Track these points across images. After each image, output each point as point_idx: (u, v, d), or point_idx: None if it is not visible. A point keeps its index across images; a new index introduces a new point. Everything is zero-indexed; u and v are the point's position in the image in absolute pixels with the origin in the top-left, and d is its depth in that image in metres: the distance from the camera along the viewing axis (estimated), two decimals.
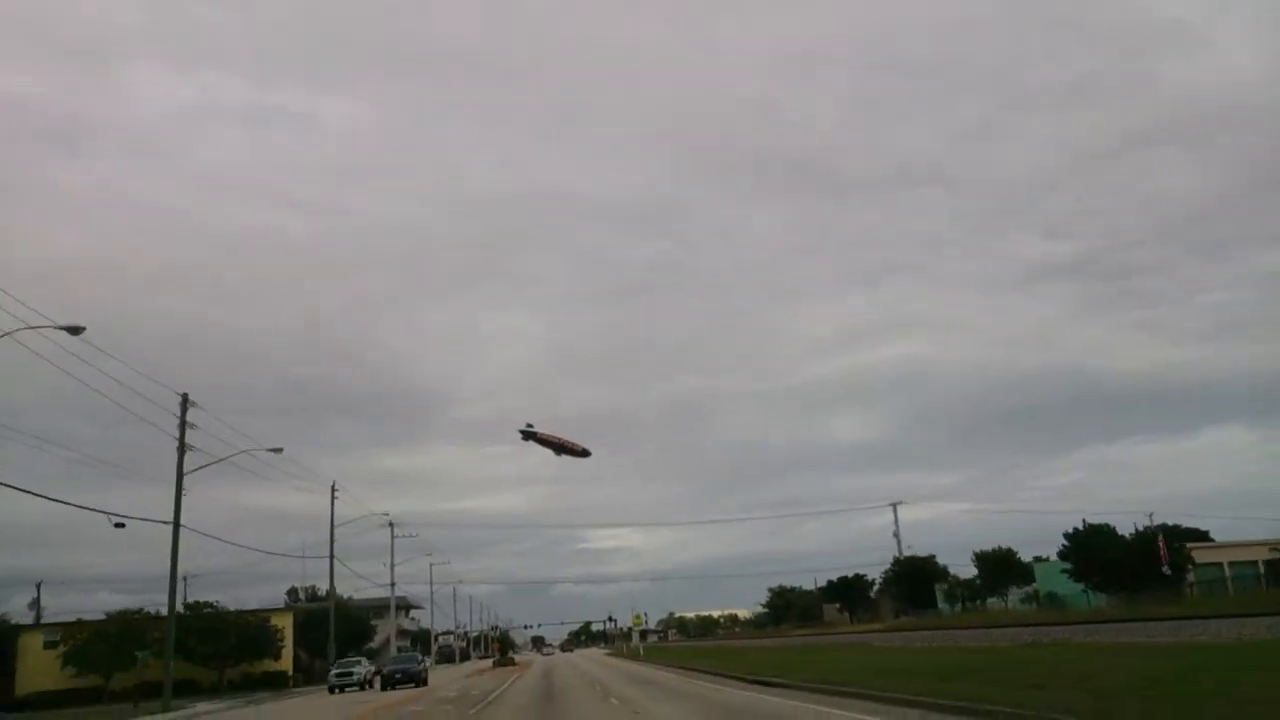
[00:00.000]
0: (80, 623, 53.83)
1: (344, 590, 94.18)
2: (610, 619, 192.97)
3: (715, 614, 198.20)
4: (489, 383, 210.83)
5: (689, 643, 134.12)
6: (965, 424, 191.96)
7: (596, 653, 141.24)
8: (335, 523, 65.37)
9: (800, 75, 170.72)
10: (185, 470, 37.15)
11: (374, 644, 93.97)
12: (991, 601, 72.10)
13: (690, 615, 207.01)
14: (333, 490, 64.91)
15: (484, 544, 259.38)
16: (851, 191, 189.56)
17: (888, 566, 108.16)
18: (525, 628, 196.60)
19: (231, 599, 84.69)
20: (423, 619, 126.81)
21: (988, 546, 72.06)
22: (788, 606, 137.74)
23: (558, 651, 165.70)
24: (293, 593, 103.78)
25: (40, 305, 29.49)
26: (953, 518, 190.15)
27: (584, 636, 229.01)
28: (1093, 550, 54.03)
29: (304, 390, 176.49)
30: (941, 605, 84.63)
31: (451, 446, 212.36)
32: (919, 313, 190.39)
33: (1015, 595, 69.72)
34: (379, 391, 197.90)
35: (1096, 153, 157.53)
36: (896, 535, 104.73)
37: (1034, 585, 68.17)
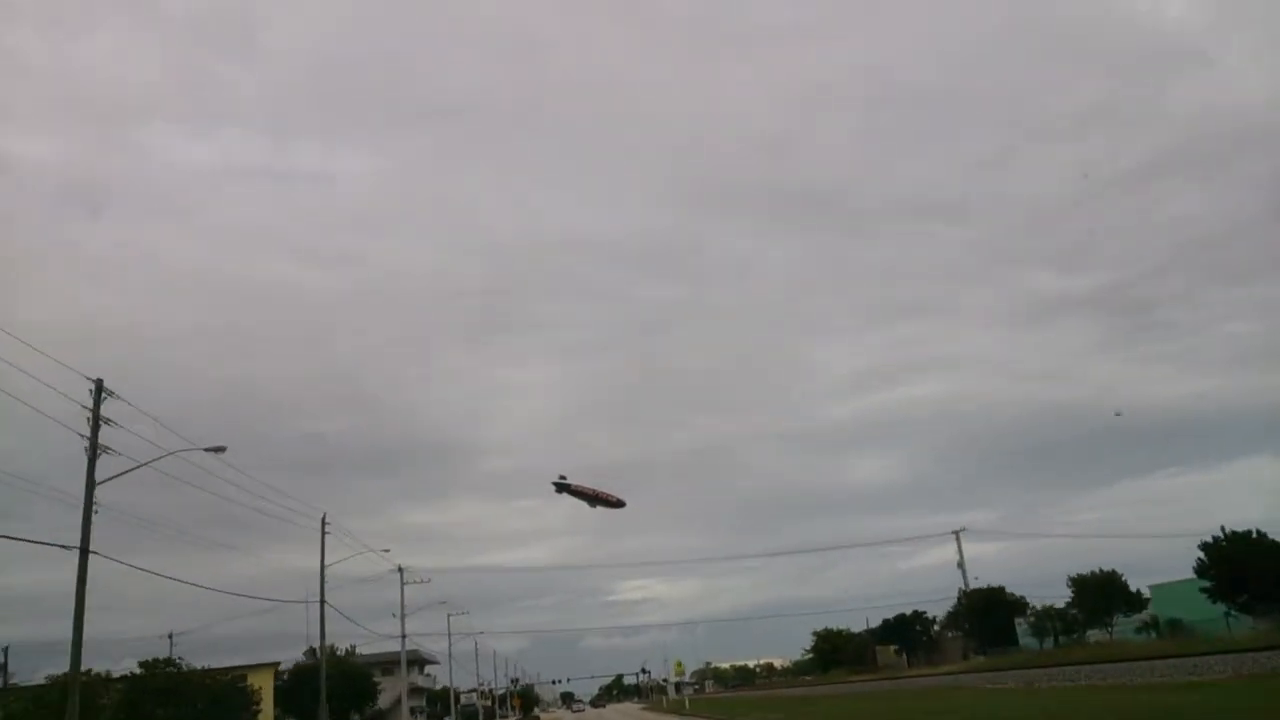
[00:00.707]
0: (10, 689, 44.75)
1: (361, 648, 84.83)
2: (643, 670, 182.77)
3: (750, 663, 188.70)
4: (512, 432, 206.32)
5: (731, 693, 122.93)
6: (991, 461, 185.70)
7: (631, 707, 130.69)
8: (332, 563, 56.48)
9: (812, 109, 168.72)
10: (98, 479, 28.40)
11: (381, 704, 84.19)
12: (1092, 634, 61.76)
13: (725, 665, 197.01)
14: (323, 523, 56.03)
15: (509, 599, 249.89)
16: (867, 225, 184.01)
17: (953, 601, 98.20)
18: (554, 683, 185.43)
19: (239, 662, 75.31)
20: (441, 676, 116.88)
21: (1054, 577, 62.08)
22: (835, 650, 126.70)
23: (588, 708, 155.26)
24: (310, 654, 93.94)
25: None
26: (987, 555, 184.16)
27: (616, 690, 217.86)
28: (1239, 564, 43.99)
29: (326, 444, 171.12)
30: (1025, 640, 74.16)
31: (476, 500, 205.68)
32: (939, 348, 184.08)
33: (1124, 625, 59.29)
34: (400, 444, 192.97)
35: (1113, 180, 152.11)
36: (961, 566, 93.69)
37: (1148, 612, 57.94)
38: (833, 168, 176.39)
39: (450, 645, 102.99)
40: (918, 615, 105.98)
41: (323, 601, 54.56)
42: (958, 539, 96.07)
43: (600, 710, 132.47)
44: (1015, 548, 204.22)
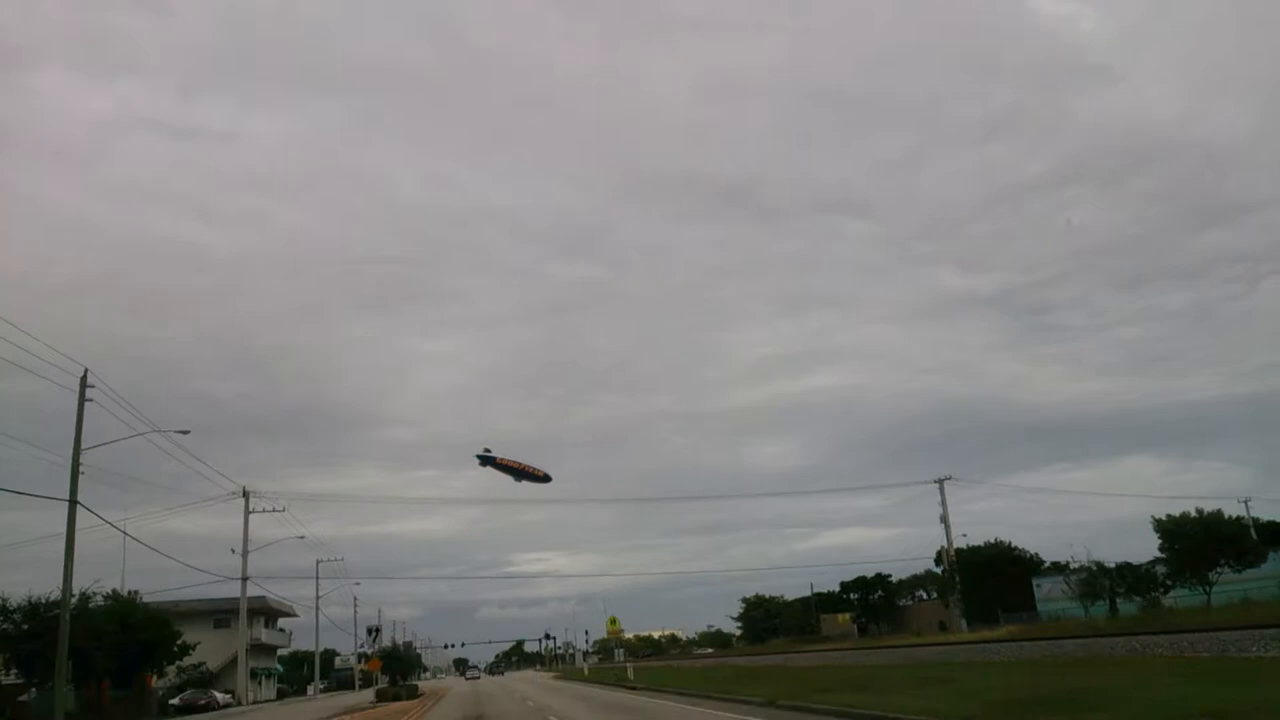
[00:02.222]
0: None
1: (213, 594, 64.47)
2: (548, 636, 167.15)
3: (655, 634, 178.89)
4: (415, 403, 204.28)
5: (655, 662, 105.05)
6: (890, 451, 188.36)
7: (537, 675, 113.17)
8: (95, 445, 36.74)
9: (729, 101, 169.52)
10: None
11: (210, 664, 64.44)
12: (1176, 595, 46.07)
13: (629, 636, 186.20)
14: (83, 382, 36.26)
15: (406, 568, 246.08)
16: (779, 218, 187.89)
17: (925, 563, 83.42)
18: (446, 647, 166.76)
19: None
20: (303, 637, 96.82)
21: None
22: (769, 618, 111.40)
23: (484, 675, 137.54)
24: (114, 596, 72.88)
25: None
26: (875, 539, 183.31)
27: (515, 658, 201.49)
28: None
29: (220, 407, 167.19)
30: (1046, 606, 58.77)
31: (375, 469, 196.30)
32: (845, 340, 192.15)
33: (1235, 584, 43.45)
34: (299, 410, 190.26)
35: (1016, 186, 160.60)
36: (945, 520, 78.99)
37: None
38: (749, 160, 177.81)
39: (318, 595, 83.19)
40: (881, 579, 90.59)
41: (74, 500, 34.78)
42: (941, 489, 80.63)
43: (499, 679, 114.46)
44: (901, 534, 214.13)
